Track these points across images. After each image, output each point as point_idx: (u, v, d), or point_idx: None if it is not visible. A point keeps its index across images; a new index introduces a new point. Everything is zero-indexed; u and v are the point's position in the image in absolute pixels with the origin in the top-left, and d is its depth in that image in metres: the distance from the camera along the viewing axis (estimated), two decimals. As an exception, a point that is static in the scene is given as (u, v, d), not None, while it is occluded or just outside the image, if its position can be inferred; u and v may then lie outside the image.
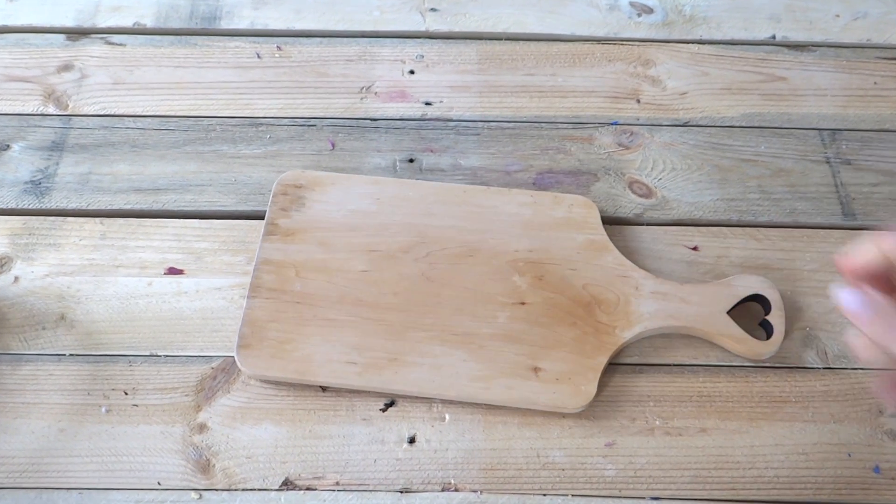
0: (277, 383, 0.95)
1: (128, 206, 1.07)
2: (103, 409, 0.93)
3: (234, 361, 0.95)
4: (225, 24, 1.26)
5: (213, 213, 1.07)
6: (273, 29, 1.25)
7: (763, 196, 1.10)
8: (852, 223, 1.08)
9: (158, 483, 0.89)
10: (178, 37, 1.24)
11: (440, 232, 1.02)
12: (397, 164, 1.12)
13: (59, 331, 0.98)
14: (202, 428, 0.92)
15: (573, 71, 1.22)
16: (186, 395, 0.94)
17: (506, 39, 1.26)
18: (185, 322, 0.99)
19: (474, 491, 0.90)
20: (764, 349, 0.96)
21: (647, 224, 1.08)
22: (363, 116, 1.17)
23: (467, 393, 0.93)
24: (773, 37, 1.27)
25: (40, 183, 1.09)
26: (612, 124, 1.17)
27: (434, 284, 0.99)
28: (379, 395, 0.95)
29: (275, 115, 1.16)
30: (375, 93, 1.19)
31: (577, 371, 0.93)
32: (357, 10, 1.28)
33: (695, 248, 1.05)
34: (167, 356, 0.97)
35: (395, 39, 1.25)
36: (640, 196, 1.10)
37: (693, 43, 1.26)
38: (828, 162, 1.14)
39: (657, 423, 0.94)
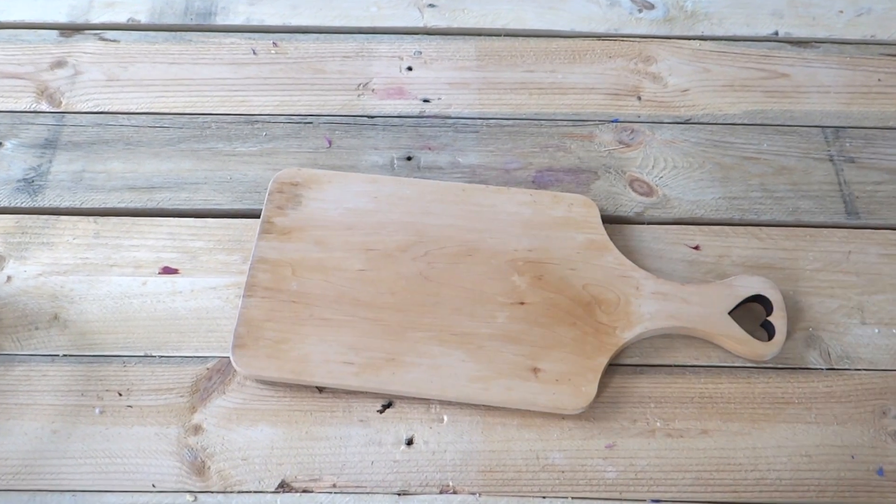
0: (273, 384, 0.95)
1: (122, 205, 1.07)
2: (97, 411, 0.93)
3: (230, 362, 0.95)
4: (220, 20, 1.26)
5: (209, 212, 1.07)
6: (269, 25, 1.25)
7: (765, 194, 1.10)
8: (856, 222, 1.08)
9: (153, 485, 0.89)
10: (173, 33, 1.24)
11: (438, 231, 1.02)
12: (395, 161, 1.12)
13: (53, 331, 0.98)
14: (197, 429, 0.92)
15: (573, 67, 1.22)
16: (181, 396, 0.94)
17: (505, 35, 1.26)
18: (180, 322, 0.99)
19: (473, 493, 0.90)
20: (766, 350, 0.96)
21: (648, 223, 1.08)
22: (360, 114, 1.17)
23: (466, 394, 0.93)
24: (776, 33, 1.27)
25: (33, 181, 1.09)
26: (612, 122, 1.17)
27: (432, 284, 0.99)
28: (376, 395, 0.95)
29: (271, 112, 1.16)
30: (373, 90, 1.19)
31: (577, 372, 0.94)
32: (354, 6, 1.28)
33: (696, 248, 1.06)
34: (162, 356, 0.97)
35: (392, 36, 1.25)
36: (641, 194, 1.10)
37: (694, 39, 1.26)
38: (831, 160, 1.14)
39: (658, 424, 0.94)
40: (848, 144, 1.15)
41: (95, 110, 1.16)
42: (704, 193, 1.10)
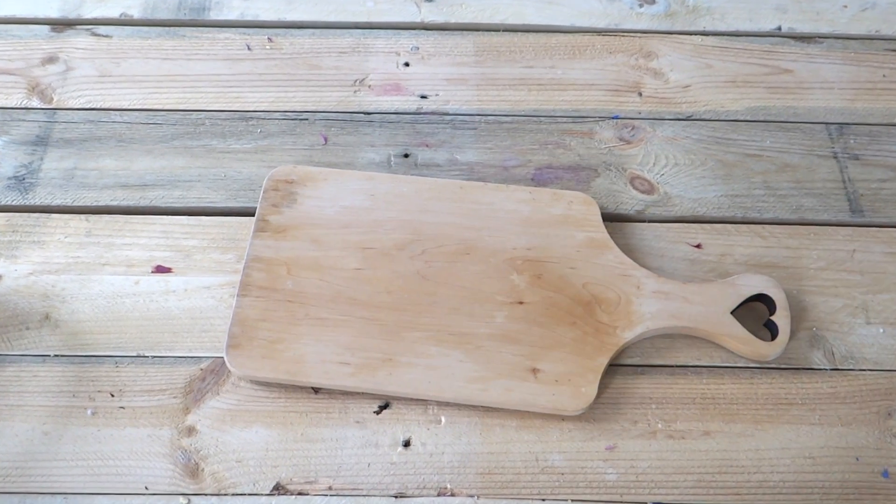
0: (268, 385, 0.95)
1: (114, 203, 1.07)
2: (89, 412, 0.93)
3: (224, 362, 0.94)
4: (214, 15, 1.25)
5: (202, 210, 1.07)
6: (264, 20, 1.25)
7: (768, 192, 1.10)
8: (860, 220, 1.08)
9: (146, 488, 0.89)
10: (166, 28, 1.24)
11: (436, 229, 1.02)
12: (392, 159, 1.12)
13: (44, 331, 0.98)
14: (191, 431, 0.92)
15: (573, 63, 1.22)
16: (174, 397, 0.94)
17: (503, 31, 1.26)
18: (174, 322, 0.99)
19: (471, 496, 0.90)
20: (769, 350, 0.96)
21: (649, 221, 1.08)
22: (357, 110, 1.17)
23: (464, 395, 0.93)
24: (779, 28, 1.27)
25: (24, 178, 1.09)
26: (612, 118, 1.17)
27: (430, 283, 0.99)
28: (373, 396, 0.94)
29: (266, 108, 1.16)
30: (369, 86, 1.19)
31: (577, 372, 0.93)
32: (350, 1, 1.28)
33: (698, 246, 1.05)
34: (155, 357, 0.97)
35: (389, 31, 1.25)
36: (642, 192, 1.10)
37: (696, 34, 1.26)
38: (835, 157, 1.14)
39: (659, 425, 0.94)
40: (852, 141, 1.15)
41: (87, 107, 1.16)
42: (706, 191, 1.10)
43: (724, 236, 1.06)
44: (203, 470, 0.90)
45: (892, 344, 0.99)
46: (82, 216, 1.06)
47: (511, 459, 0.92)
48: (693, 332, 0.98)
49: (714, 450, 0.92)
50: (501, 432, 0.93)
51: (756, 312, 1.00)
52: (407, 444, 0.92)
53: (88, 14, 1.25)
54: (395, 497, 0.89)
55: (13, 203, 1.07)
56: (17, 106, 1.15)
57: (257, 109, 1.16)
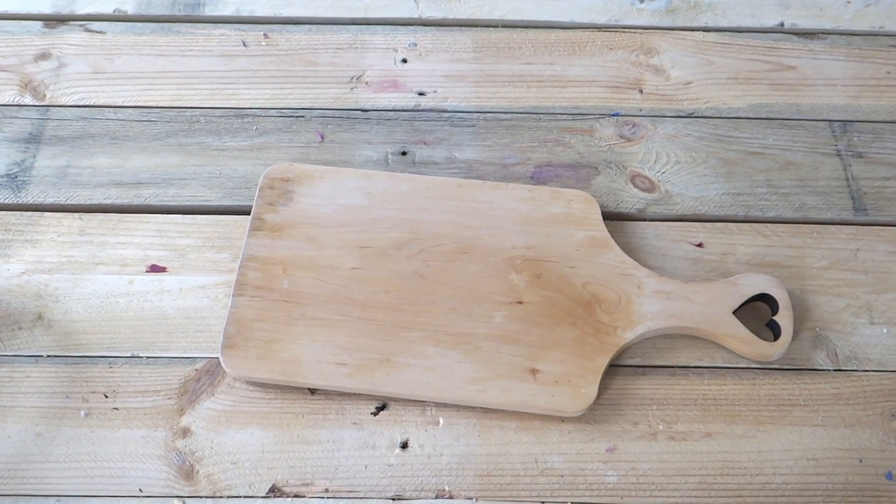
0: (264, 385, 0.95)
1: (108, 201, 1.07)
2: (82, 413, 0.93)
3: (219, 363, 0.94)
4: (209, 11, 1.25)
5: (197, 208, 1.07)
6: (259, 16, 1.25)
7: (771, 190, 1.10)
8: (864, 218, 1.08)
9: (140, 490, 0.89)
10: (161, 24, 1.24)
11: (434, 228, 1.02)
12: (389, 156, 1.12)
13: (37, 331, 0.98)
14: (185, 432, 0.92)
15: (573, 60, 1.22)
16: (169, 398, 0.94)
17: (502, 27, 1.26)
18: (168, 322, 0.99)
19: (469, 498, 0.90)
20: (771, 350, 0.96)
21: (650, 220, 1.08)
22: (354, 107, 1.17)
23: (462, 396, 0.93)
24: (782, 24, 1.27)
25: (16, 176, 1.09)
26: (613, 115, 1.17)
27: (427, 282, 0.99)
28: (370, 397, 0.94)
29: (261, 105, 1.16)
30: (366, 82, 1.19)
31: (577, 373, 0.93)
32: (347, -4, 1.28)
33: (699, 245, 1.05)
34: (149, 357, 0.97)
35: (386, 27, 1.25)
36: (643, 190, 1.10)
37: (698, 30, 1.26)
38: (838, 154, 1.14)
39: (660, 427, 0.94)
40: (856, 139, 1.15)
41: (81, 104, 1.16)
42: (708, 189, 1.10)
43: (725, 235, 1.06)
44: (198, 472, 0.90)
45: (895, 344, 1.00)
46: (75, 215, 1.06)
47: (510, 461, 0.92)
48: (694, 333, 0.98)
49: (716, 451, 0.92)
50: (500, 434, 0.93)
51: (758, 312, 1.00)
52: (404, 445, 0.92)
53: (82, 10, 1.25)
54: (393, 499, 0.89)
55: (5, 201, 1.07)
56: (9, 103, 1.15)
57: (253, 106, 1.16)
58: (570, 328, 0.96)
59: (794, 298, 1.00)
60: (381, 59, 1.21)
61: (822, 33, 1.26)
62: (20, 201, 1.07)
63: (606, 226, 1.03)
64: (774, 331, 0.98)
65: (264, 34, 1.23)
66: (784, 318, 0.97)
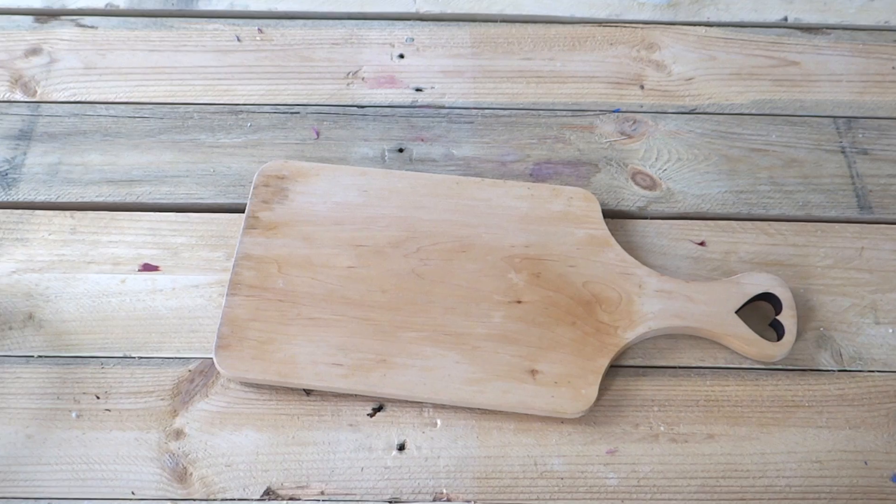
0: (259, 386, 0.95)
1: (100, 199, 1.07)
2: (74, 415, 0.93)
3: (213, 363, 0.94)
4: (203, 6, 1.25)
5: (191, 206, 1.07)
6: (254, 10, 1.25)
7: (774, 188, 1.10)
8: (869, 217, 1.08)
9: (132, 493, 0.89)
10: (154, 19, 1.24)
11: (431, 226, 1.02)
12: (386, 153, 1.12)
13: (27, 331, 0.98)
14: (179, 434, 0.92)
15: (573, 55, 1.22)
16: (162, 400, 0.94)
17: (501, 21, 1.26)
18: (161, 322, 0.99)
19: (468, 501, 0.90)
20: (775, 351, 0.96)
21: (651, 218, 1.08)
22: (350, 103, 1.17)
23: (460, 397, 0.93)
24: (785, 19, 1.27)
25: (7, 174, 1.09)
26: (613, 112, 1.17)
27: (425, 281, 0.99)
28: (366, 398, 0.94)
29: (256, 101, 1.16)
30: (363, 78, 1.19)
31: (577, 374, 0.93)
32: (343, -9, 1.28)
33: (702, 244, 1.06)
34: (141, 358, 0.97)
35: (383, 21, 1.25)
36: (644, 188, 1.10)
37: (700, 25, 1.26)
38: (843, 151, 1.14)
39: (662, 428, 0.94)
40: (861, 135, 1.15)
41: (72, 100, 1.15)
42: (710, 187, 1.10)
43: (728, 233, 1.06)
44: (191, 474, 0.90)
45: (901, 344, 1.00)
46: (67, 213, 1.06)
47: (509, 463, 0.92)
48: (696, 333, 0.98)
49: (718, 453, 0.93)
50: (499, 435, 0.93)
51: (761, 312, 1.00)
52: (402, 447, 0.92)
53: (73, 4, 1.25)
54: (390, 502, 0.89)
55: (-5, 199, 1.07)
56: (-1, 99, 1.16)
57: (247, 103, 1.16)
58: (570, 328, 0.96)
59: (797, 298, 1.00)
60: (378, 54, 1.21)
61: (827, 28, 1.26)
62: (10, 199, 1.07)
63: (607, 224, 1.03)
64: (778, 331, 0.98)
65: (259, 29, 1.23)
66: (787, 318, 0.98)
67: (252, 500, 0.89)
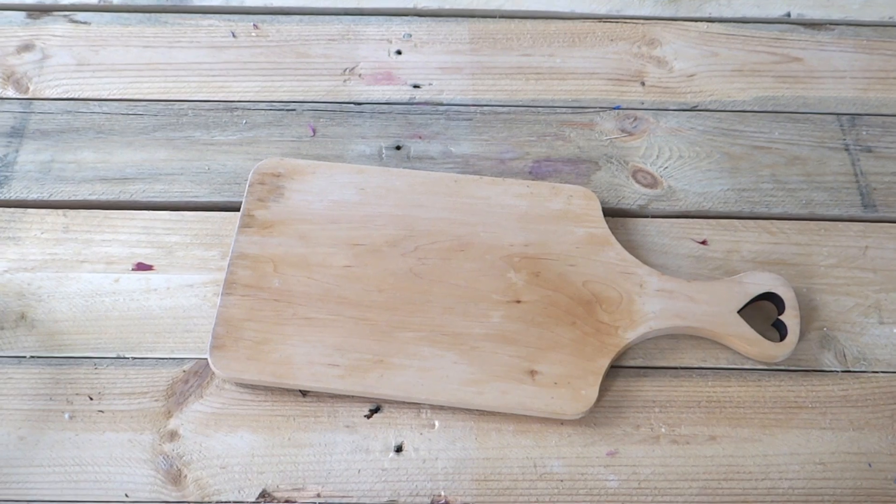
0: (254, 387, 0.95)
1: (93, 197, 1.07)
2: (66, 416, 0.93)
3: (208, 364, 0.94)
4: (197, 1, 1.25)
5: (185, 205, 1.07)
6: (249, 6, 1.25)
7: (777, 186, 1.10)
8: (873, 215, 1.08)
9: (126, 495, 0.89)
10: (148, 14, 1.24)
11: (429, 225, 1.02)
12: (383, 151, 1.12)
13: (19, 331, 0.98)
14: (173, 435, 0.92)
15: (573, 51, 1.22)
16: (156, 401, 0.94)
17: (500, 17, 1.26)
18: (155, 322, 0.99)
19: (466, 503, 0.89)
20: (777, 351, 0.96)
21: (652, 216, 1.08)
22: (346, 100, 1.17)
23: (458, 398, 0.93)
24: (788, 14, 1.27)
25: (-2, 172, 1.09)
26: (614, 109, 1.17)
27: (423, 281, 0.99)
28: (363, 400, 0.94)
29: (251, 98, 1.16)
30: (360, 75, 1.19)
31: (577, 374, 0.93)
32: (340, -14, 1.28)
33: (703, 243, 1.06)
34: (135, 358, 0.97)
35: (380, 17, 1.25)
36: (645, 186, 1.10)
37: (702, 21, 1.26)
38: (847, 149, 1.14)
39: (663, 430, 0.94)
40: (865, 133, 1.15)
41: (65, 97, 1.15)
42: (712, 185, 1.10)
43: (730, 232, 1.06)
44: (186, 476, 0.90)
45: (905, 345, 1.00)
46: (59, 211, 1.06)
47: (508, 466, 0.92)
48: (698, 333, 0.98)
49: (720, 455, 0.93)
50: (498, 437, 0.93)
51: (764, 312, 1.00)
52: (399, 449, 0.92)
53: (66, 0, 1.25)
54: (387, 505, 0.90)
55: (-13, 197, 1.07)
56: (-9, 96, 1.16)
57: (242, 100, 1.16)
58: (570, 328, 0.96)
59: (800, 297, 1.00)
60: (375, 50, 1.21)
61: (830, 24, 1.26)
62: (2, 197, 1.07)
63: (607, 222, 1.03)
64: (780, 331, 0.98)
65: (254, 25, 1.23)
66: (790, 318, 0.98)
67: (247, 502, 0.89)
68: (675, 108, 1.17)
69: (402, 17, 1.25)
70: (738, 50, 1.23)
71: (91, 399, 0.94)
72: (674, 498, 0.90)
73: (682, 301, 0.98)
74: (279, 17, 1.24)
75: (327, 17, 1.24)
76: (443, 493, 0.90)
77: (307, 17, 1.24)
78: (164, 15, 1.24)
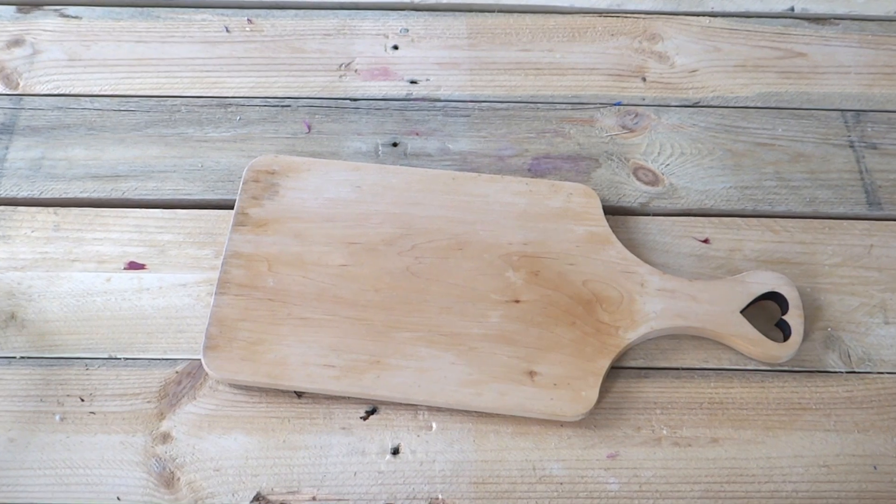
0: (248, 388, 0.95)
1: (84, 195, 1.07)
2: (57, 417, 0.93)
3: (201, 364, 0.94)
4: (191, -5, 1.26)
5: (178, 203, 1.07)
6: (243, 0, 1.25)
7: (780, 183, 1.10)
8: (878, 213, 1.08)
9: (118, 498, 0.89)
10: (140, 9, 1.24)
11: (427, 223, 1.02)
12: (380, 148, 1.12)
13: (9, 331, 0.98)
14: (166, 437, 0.92)
15: (572, 46, 1.22)
16: (148, 402, 0.94)
17: (498, 12, 1.26)
18: (147, 322, 0.99)
19: (464, 506, 0.90)
20: (781, 351, 0.96)
21: (654, 214, 1.08)
22: (342, 96, 1.17)
23: (456, 399, 0.93)
24: (792, 9, 1.27)
25: (-12, 169, 1.09)
26: (615, 105, 1.17)
27: (420, 280, 0.99)
28: (359, 401, 0.94)
29: (245, 94, 1.16)
30: (356, 70, 1.19)
31: (577, 375, 0.93)
32: (336, -20, 1.28)
33: (706, 241, 1.06)
34: (127, 359, 0.97)
35: (377, 12, 1.25)
36: (646, 184, 1.10)
37: (704, 15, 1.26)
38: (851, 146, 1.14)
39: (664, 432, 0.94)
40: (870, 129, 1.15)
41: (56, 92, 1.15)
42: (714, 182, 1.10)
43: (733, 230, 1.06)
44: (179, 479, 0.90)
45: (911, 345, 1.00)
46: (50, 209, 1.06)
47: (506, 468, 0.92)
48: (700, 333, 0.98)
49: (722, 458, 0.93)
50: (496, 439, 0.93)
51: (767, 311, 1.00)
52: (396, 451, 0.92)
53: (56, -7, 1.25)
54: (384, 508, 0.90)
55: (-24, 195, 1.07)
56: (-20, 92, 1.16)
57: (236, 95, 1.16)
58: (570, 328, 0.96)
59: (804, 297, 1.00)
60: (371, 45, 1.21)
61: (835, 19, 1.26)
62: (-8, 195, 1.07)
63: (608, 220, 1.03)
64: (784, 331, 0.98)
65: (248, 19, 1.23)
66: (794, 318, 0.97)
67: (241, 505, 0.89)
68: (676, 104, 1.17)
69: (398, 12, 1.25)
70: (741, 45, 1.23)
71: (82, 400, 0.94)
72: (675, 501, 0.90)
73: (684, 301, 0.98)
74: (274, 11, 1.24)
75: (323, 12, 1.24)
76: (440, 496, 0.90)
77: (302, 11, 1.24)
78: (156, 9, 1.23)
